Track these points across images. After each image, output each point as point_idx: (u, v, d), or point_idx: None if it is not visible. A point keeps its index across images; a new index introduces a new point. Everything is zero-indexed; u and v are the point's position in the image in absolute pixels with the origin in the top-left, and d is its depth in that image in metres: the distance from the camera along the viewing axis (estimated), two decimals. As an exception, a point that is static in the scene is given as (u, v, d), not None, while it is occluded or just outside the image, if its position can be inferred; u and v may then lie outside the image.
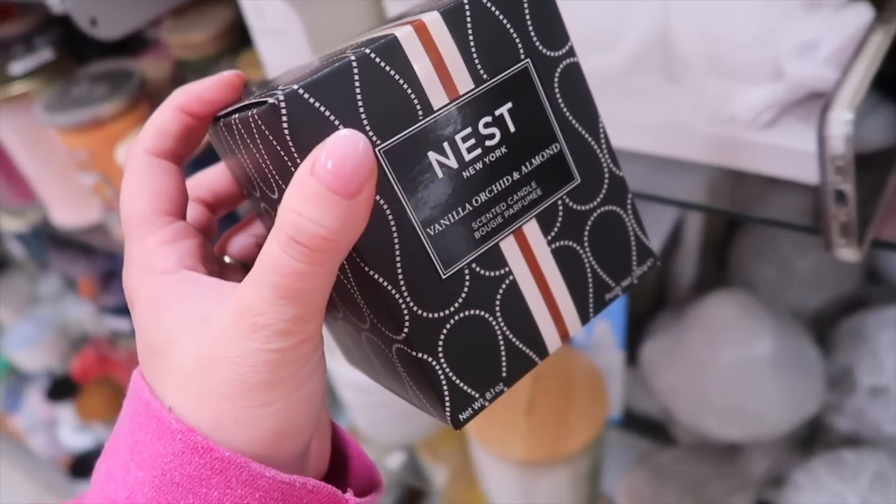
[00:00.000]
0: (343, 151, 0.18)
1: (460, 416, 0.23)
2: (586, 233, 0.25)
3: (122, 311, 0.92)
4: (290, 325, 0.19)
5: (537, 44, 0.23)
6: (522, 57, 0.23)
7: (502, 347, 0.24)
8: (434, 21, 0.21)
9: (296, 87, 0.20)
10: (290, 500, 0.20)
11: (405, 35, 0.21)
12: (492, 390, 0.24)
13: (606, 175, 0.25)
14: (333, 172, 0.18)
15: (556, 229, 0.24)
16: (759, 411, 0.53)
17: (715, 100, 0.37)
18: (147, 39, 0.80)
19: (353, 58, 0.20)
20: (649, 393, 0.60)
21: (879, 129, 0.36)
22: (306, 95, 0.20)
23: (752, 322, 0.54)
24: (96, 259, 0.96)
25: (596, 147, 0.25)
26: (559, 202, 0.24)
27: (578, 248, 0.25)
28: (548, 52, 0.23)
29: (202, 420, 0.20)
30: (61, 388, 1.29)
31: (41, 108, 0.62)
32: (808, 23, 0.34)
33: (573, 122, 0.24)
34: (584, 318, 0.26)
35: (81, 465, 1.30)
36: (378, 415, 0.68)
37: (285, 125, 0.19)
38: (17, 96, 0.65)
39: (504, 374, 0.24)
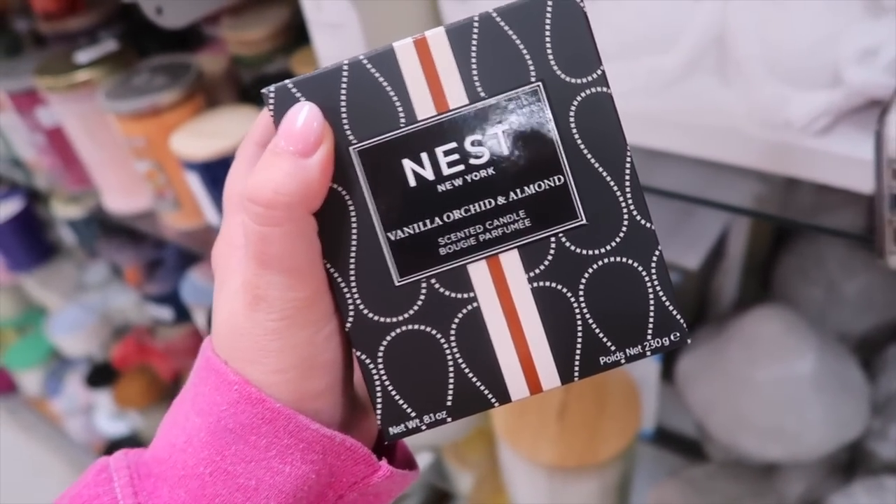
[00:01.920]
0: (292, 115, 0.21)
1: (390, 430, 0.23)
2: (583, 281, 0.23)
3: (165, 299, 0.95)
4: (281, 293, 0.20)
5: (555, 68, 0.22)
6: (533, 79, 0.22)
7: (451, 375, 0.23)
8: (436, 35, 0.22)
9: (289, 81, 0.22)
10: (330, 454, 0.22)
11: (402, 46, 0.22)
12: (431, 415, 0.23)
13: (625, 222, 0.23)
14: (281, 132, 0.20)
15: (541, 267, 0.23)
16: (798, 431, 0.52)
17: (770, 104, 0.37)
18: (205, 36, 0.82)
19: (346, 62, 0.22)
20: (684, 407, 0.59)
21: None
22: (294, 90, 0.22)
23: (795, 339, 0.53)
24: (144, 248, 0.98)
25: (616, 189, 0.22)
26: (552, 239, 0.23)
27: (570, 294, 0.23)
28: (567, 78, 0.22)
29: None
30: (100, 375, 1.32)
31: (103, 95, 0.65)
32: (869, 28, 0.33)
33: (588, 156, 0.22)
34: (566, 376, 0.23)
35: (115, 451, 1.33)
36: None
37: (272, 112, 0.22)
38: (80, 83, 0.68)
39: (449, 404, 0.23)
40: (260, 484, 0.21)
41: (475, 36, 0.22)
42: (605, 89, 0.22)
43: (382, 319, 0.23)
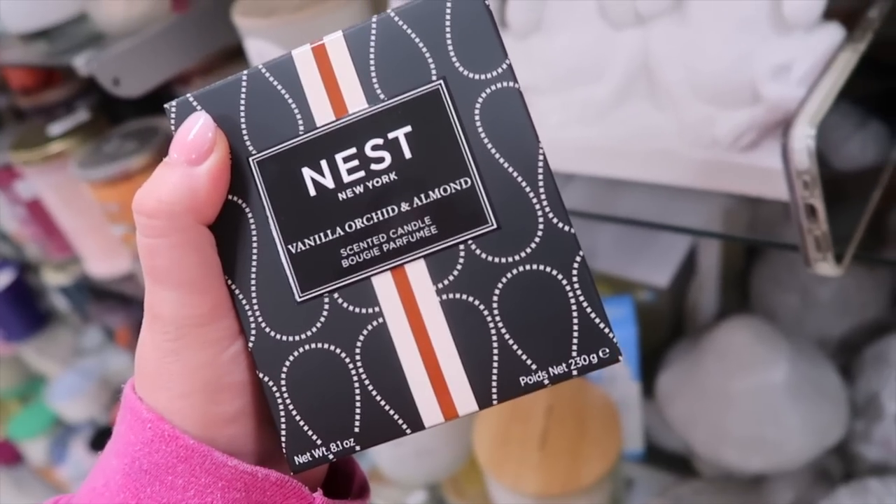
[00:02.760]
0: (185, 127, 0.20)
1: (296, 459, 0.22)
2: (497, 292, 0.21)
3: (157, 358, 0.95)
4: (174, 309, 0.20)
5: (456, 64, 0.21)
6: (434, 78, 0.21)
7: (358, 399, 0.22)
8: (334, 40, 0.21)
9: (189, 94, 0.21)
10: (254, 490, 0.21)
11: (300, 53, 0.21)
12: (339, 443, 0.22)
13: (541, 226, 0.21)
14: (173, 142, 0.20)
15: (450, 278, 0.21)
16: (778, 440, 0.52)
17: (698, 125, 0.38)
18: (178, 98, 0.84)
19: (245, 73, 0.21)
20: (667, 424, 0.59)
21: (865, 146, 0.36)
22: (195, 103, 0.21)
23: (765, 348, 0.53)
24: (132, 308, 0.99)
25: (529, 190, 0.21)
26: (461, 247, 0.21)
27: (482, 307, 0.21)
28: (470, 74, 0.21)
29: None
30: (104, 438, 1.31)
31: (76, 164, 0.67)
32: (781, 45, 0.35)
33: (497, 156, 0.21)
34: (483, 400, 0.21)
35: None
36: (397, 453, 0.68)
37: (173, 125, 0.21)
38: (54, 155, 0.70)
39: (357, 431, 0.22)
40: None
41: (373, 38, 0.21)
42: (512, 84, 0.20)
43: (285, 338, 0.22)
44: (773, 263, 0.64)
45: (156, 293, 0.20)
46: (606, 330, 0.21)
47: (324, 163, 0.21)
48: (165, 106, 0.22)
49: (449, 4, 0.21)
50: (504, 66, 0.21)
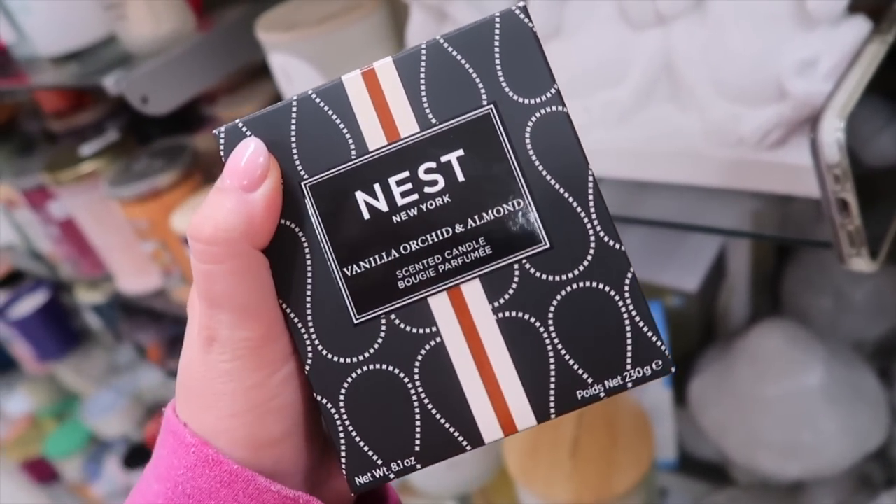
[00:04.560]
0: (237, 152, 0.20)
1: (357, 480, 0.22)
2: (552, 309, 0.21)
3: (188, 374, 0.96)
4: (231, 332, 0.20)
5: (506, 89, 0.21)
6: (484, 102, 0.21)
7: (418, 417, 0.22)
8: (384, 66, 0.22)
9: (239, 120, 0.22)
10: None
11: (350, 79, 0.22)
12: (399, 462, 0.22)
13: (592, 244, 0.21)
14: (226, 169, 0.20)
15: (506, 297, 0.22)
16: (816, 445, 0.51)
17: (723, 124, 0.37)
18: (205, 116, 0.86)
19: (295, 97, 0.22)
20: (700, 432, 0.58)
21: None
22: (244, 128, 0.22)
23: (799, 351, 0.52)
24: (163, 325, 1.00)
25: (580, 210, 0.21)
26: (515, 266, 0.21)
27: (538, 325, 0.21)
28: (520, 99, 0.21)
29: (192, 429, 0.21)
30: (137, 455, 1.33)
31: (106, 183, 0.68)
32: (805, 40, 0.34)
33: (548, 178, 0.21)
34: (541, 414, 0.22)
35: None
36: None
37: (222, 151, 0.22)
38: (86, 175, 0.71)
39: (417, 449, 0.22)
40: None
41: (423, 63, 0.21)
42: (560, 108, 0.21)
43: (342, 360, 0.22)
44: (804, 265, 0.63)
45: (212, 316, 0.20)
46: (659, 343, 0.21)
47: (377, 186, 0.21)
48: (214, 132, 0.22)
49: (497, 31, 0.21)
50: (553, 90, 0.21)
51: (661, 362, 0.21)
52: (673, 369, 0.21)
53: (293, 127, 0.22)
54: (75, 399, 1.44)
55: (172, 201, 0.66)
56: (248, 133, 0.22)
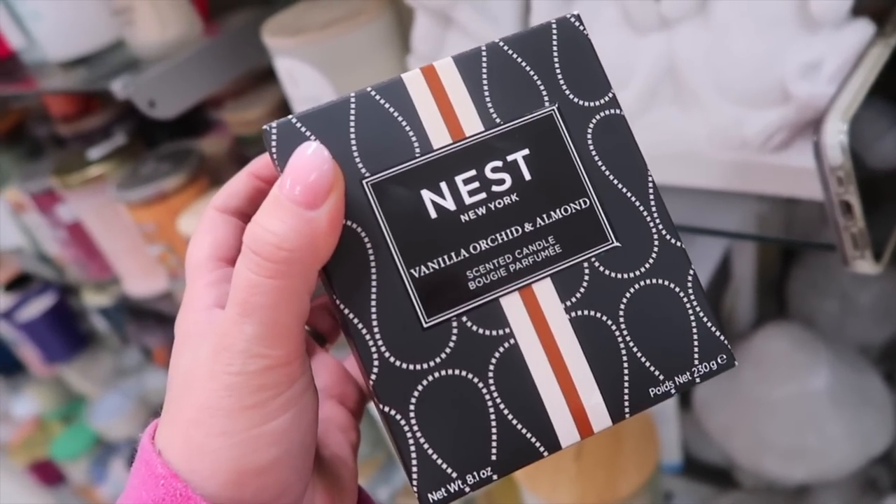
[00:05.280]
0: (300, 163, 0.19)
1: (430, 497, 0.21)
2: (622, 307, 0.21)
3: (194, 376, 0.97)
4: (250, 345, 0.19)
5: (567, 92, 0.22)
6: (547, 104, 0.22)
7: (493, 424, 0.21)
8: (445, 65, 0.21)
9: (292, 116, 0.21)
10: None
11: (411, 77, 0.21)
12: (475, 474, 0.21)
13: (656, 242, 0.22)
14: (289, 181, 0.19)
15: (577, 295, 0.21)
16: (821, 448, 0.51)
17: (727, 127, 0.37)
18: (211, 121, 0.86)
19: (353, 94, 0.21)
20: (705, 436, 0.58)
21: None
22: (298, 124, 0.21)
23: (805, 354, 0.52)
24: (170, 328, 1.01)
25: (643, 209, 0.22)
26: (585, 264, 0.21)
27: (610, 322, 0.21)
28: (581, 102, 0.22)
29: (175, 447, 0.20)
30: (143, 457, 1.34)
31: (114, 187, 0.68)
32: (809, 43, 0.34)
33: (610, 178, 0.22)
34: (616, 414, 0.21)
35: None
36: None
37: (274, 150, 0.21)
38: (93, 178, 0.72)
39: (494, 458, 0.21)
40: None
41: (484, 64, 0.21)
42: (618, 111, 0.22)
43: (412, 367, 0.20)
44: (810, 268, 0.63)
45: (237, 323, 0.19)
46: (722, 338, 0.22)
47: (443, 185, 0.21)
48: (265, 127, 0.20)
49: (555, 35, 0.22)
50: (610, 94, 0.22)
51: (725, 356, 0.22)
52: (736, 363, 0.22)
53: (352, 123, 0.21)
54: (82, 401, 1.45)
55: (179, 205, 0.66)
56: (304, 130, 0.21)
